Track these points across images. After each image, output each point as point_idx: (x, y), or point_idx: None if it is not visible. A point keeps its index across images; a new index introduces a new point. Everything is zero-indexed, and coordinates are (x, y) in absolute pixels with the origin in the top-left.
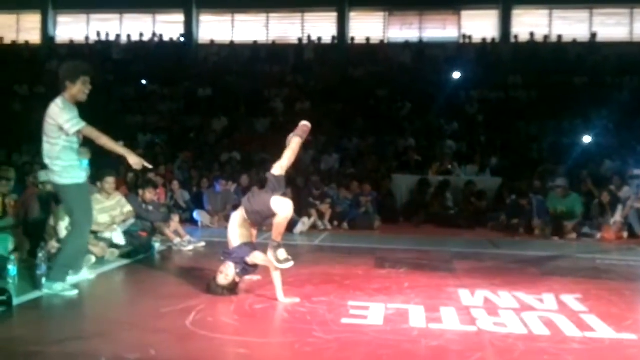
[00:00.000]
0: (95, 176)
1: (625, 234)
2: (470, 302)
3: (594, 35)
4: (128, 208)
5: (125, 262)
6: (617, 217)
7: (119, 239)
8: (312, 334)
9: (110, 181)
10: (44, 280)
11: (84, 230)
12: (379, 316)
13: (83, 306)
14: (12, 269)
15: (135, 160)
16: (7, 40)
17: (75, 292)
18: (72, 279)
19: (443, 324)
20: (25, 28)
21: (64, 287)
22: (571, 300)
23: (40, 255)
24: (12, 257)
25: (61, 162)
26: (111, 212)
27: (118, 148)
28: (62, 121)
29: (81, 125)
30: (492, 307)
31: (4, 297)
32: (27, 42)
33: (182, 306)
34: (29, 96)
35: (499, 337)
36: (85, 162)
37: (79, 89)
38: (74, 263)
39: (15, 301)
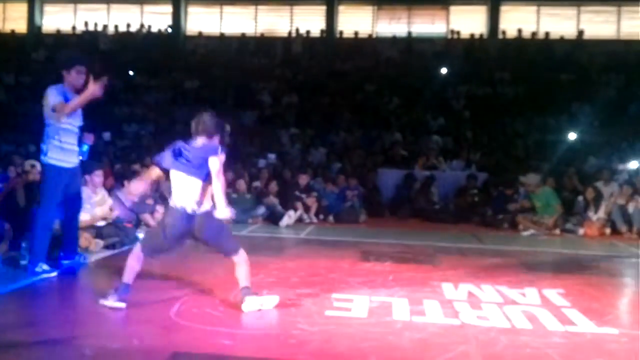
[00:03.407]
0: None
1: (607, 230)
2: (453, 295)
3: (581, 32)
4: (106, 208)
5: (109, 253)
6: (600, 213)
7: None
8: (296, 325)
9: (99, 174)
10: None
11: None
12: (363, 309)
13: (66, 296)
14: None
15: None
16: None
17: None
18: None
19: (426, 317)
20: (11, 17)
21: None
22: (553, 294)
23: (24, 245)
24: None
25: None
26: (98, 207)
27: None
28: (46, 100)
29: (54, 102)
30: (475, 301)
31: None
32: (13, 31)
33: (166, 297)
34: (15, 85)
35: (482, 330)
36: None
37: (74, 77)
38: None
39: None
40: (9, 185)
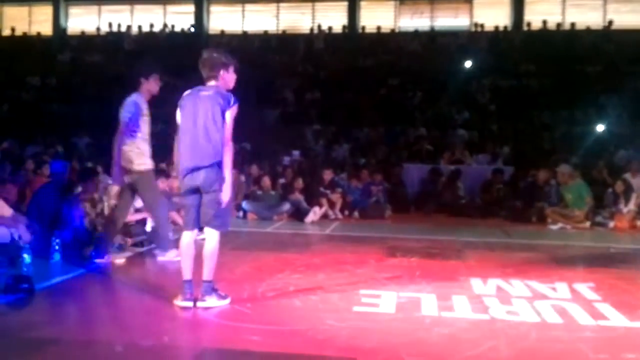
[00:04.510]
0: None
1: (638, 223)
2: (482, 290)
3: (610, 22)
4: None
5: (137, 250)
6: (631, 205)
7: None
8: (324, 321)
9: None
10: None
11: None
12: (390, 304)
13: (96, 293)
14: (27, 257)
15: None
16: (19, 31)
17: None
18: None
19: (455, 312)
20: (37, 20)
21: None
22: (584, 288)
23: (54, 243)
24: (27, 245)
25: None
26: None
27: (117, 159)
28: (123, 110)
29: (123, 120)
30: (504, 296)
31: (26, 285)
32: (38, 34)
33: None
34: (41, 87)
35: (511, 325)
36: None
37: (152, 84)
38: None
39: None
40: (36, 185)
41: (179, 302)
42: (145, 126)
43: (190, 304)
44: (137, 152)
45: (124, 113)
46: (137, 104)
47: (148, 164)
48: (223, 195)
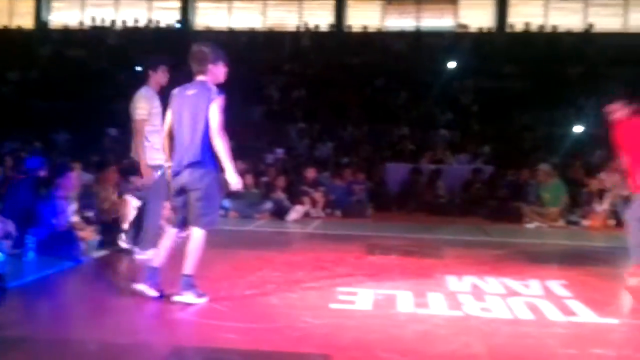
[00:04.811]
0: (95, 164)
1: (612, 222)
2: (457, 287)
3: (589, 25)
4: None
5: (110, 248)
6: (605, 205)
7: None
8: (300, 319)
9: (113, 169)
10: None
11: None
12: (367, 301)
13: (71, 291)
14: (0, 255)
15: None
16: None
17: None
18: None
19: (430, 309)
20: (18, 12)
21: None
22: (556, 286)
23: (28, 242)
24: (3, 243)
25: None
26: (106, 202)
27: (142, 155)
28: (134, 105)
29: (139, 117)
30: (478, 293)
31: None
32: (19, 27)
33: (171, 292)
34: (21, 81)
35: (484, 321)
36: None
37: (160, 76)
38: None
39: None
40: (13, 182)
41: (137, 285)
42: (156, 119)
43: (145, 288)
44: (148, 146)
45: (138, 110)
46: (148, 100)
47: (159, 159)
48: (232, 184)
